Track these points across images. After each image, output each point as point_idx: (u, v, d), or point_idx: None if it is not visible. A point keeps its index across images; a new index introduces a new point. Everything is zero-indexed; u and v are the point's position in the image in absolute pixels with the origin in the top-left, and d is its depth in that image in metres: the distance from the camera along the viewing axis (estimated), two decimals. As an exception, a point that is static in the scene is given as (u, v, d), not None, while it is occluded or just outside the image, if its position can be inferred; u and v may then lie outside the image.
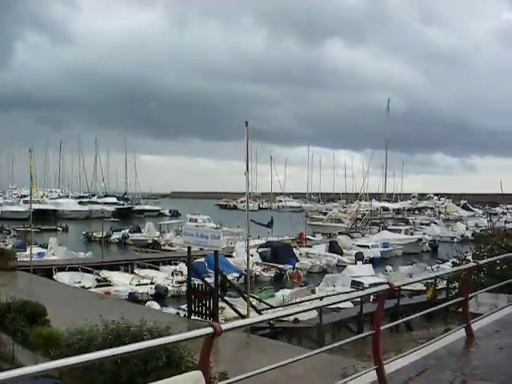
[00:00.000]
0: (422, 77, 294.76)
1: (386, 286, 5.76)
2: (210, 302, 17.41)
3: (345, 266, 40.24)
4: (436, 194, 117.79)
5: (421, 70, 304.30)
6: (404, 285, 6.56)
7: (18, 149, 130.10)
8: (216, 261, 17.52)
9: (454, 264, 19.99)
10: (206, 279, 21.34)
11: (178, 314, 21.80)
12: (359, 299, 25.43)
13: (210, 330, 3.98)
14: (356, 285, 29.59)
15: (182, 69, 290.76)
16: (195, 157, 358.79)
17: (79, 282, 31.30)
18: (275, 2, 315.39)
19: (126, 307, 21.37)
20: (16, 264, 27.83)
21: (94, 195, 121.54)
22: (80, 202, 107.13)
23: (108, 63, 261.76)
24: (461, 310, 8.32)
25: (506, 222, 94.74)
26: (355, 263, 42.46)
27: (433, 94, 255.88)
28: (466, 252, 20.80)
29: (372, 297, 26.70)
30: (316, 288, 29.69)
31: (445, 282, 26.33)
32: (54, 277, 32.33)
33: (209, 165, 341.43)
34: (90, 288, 30.01)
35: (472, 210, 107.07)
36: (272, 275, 40.13)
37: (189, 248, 18.14)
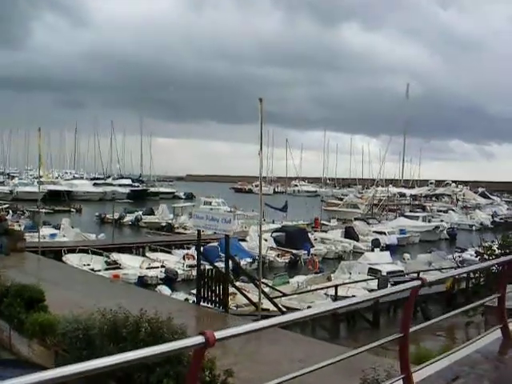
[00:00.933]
0: (439, 61, 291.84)
1: (418, 282, 4.86)
2: (220, 289, 16.56)
3: (361, 253, 39.41)
4: (454, 181, 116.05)
5: (438, 55, 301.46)
6: (437, 280, 5.55)
7: (34, 130, 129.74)
8: (227, 245, 16.69)
9: (478, 253, 18.96)
10: (219, 264, 20.63)
11: (186, 300, 20.98)
12: (375, 286, 24.68)
13: (200, 339, 3.11)
14: (373, 272, 28.64)
15: (198, 51, 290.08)
16: (211, 140, 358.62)
17: (88, 265, 30.65)
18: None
19: (134, 292, 20.71)
20: (24, 245, 27.17)
21: (108, 177, 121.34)
22: (95, 184, 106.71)
23: (125, 46, 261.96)
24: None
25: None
26: (372, 250, 41.52)
27: (450, 78, 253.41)
28: (493, 241, 19.79)
29: (390, 284, 26.05)
30: (332, 275, 28.77)
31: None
32: (63, 258, 31.71)
33: (224, 148, 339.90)
34: (99, 271, 29.39)
35: (490, 198, 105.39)
36: (286, 261, 39.19)
37: (199, 231, 17.32)
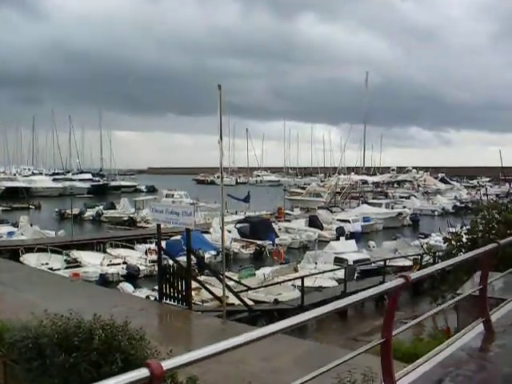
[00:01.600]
0: (397, 51, 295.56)
1: (401, 280, 4.28)
2: (182, 285, 15.86)
3: (326, 242, 39.08)
4: (414, 167, 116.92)
5: (396, 45, 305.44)
6: (422, 276, 4.95)
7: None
8: (188, 239, 15.99)
9: (446, 240, 18.61)
10: (183, 258, 19.86)
11: (148, 297, 20.22)
12: (342, 276, 24.25)
13: (145, 372, 2.45)
14: (339, 262, 28.26)
15: (156, 44, 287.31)
16: (172, 132, 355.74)
17: (47, 264, 29.55)
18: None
19: (94, 291, 19.85)
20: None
21: (68, 172, 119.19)
22: (54, 179, 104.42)
23: (83, 39, 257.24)
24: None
25: (485, 194, 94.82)
26: (337, 238, 41.29)
27: (408, 68, 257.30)
28: (462, 226, 19.47)
29: (357, 274, 25.68)
30: (298, 265, 28.30)
31: (429, 256, 25.17)
32: (21, 259, 30.60)
33: (186, 140, 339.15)
34: (58, 270, 28.39)
35: (450, 183, 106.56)
36: (251, 252, 38.61)
37: (158, 226, 16.57)
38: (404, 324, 6.14)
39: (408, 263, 27.82)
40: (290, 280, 23.49)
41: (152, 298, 19.37)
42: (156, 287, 22.00)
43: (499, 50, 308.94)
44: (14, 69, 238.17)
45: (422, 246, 23.56)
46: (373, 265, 28.23)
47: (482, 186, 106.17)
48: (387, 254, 30.91)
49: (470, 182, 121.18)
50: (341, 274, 24.66)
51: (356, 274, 25.44)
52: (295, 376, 10.30)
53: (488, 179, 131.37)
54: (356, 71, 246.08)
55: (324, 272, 25.06)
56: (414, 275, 4.48)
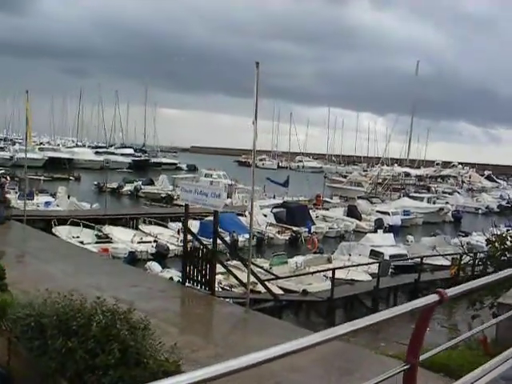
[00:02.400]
0: (450, 41, 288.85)
1: (435, 297, 3.47)
2: (207, 268, 15.21)
3: (363, 233, 38.18)
4: (460, 163, 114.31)
5: (448, 35, 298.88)
6: (460, 292, 4.06)
7: (38, 97, 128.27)
8: (215, 222, 15.31)
9: (489, 241, 17.50)
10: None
11: (171, 279, 19.65)
12: (375, 270, 23.35)
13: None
14: (375, 255, 27.30)
15: (205, 24, 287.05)
16: (217, 112, 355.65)
17: (78, 237, 29.32)
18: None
19: (119, 269, 19.35)
20: (11, 213, 25.77)
21: (111, 146, 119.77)
22: (96, 152, 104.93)
23: (132, 14, 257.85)
24: None
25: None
26: (374, 230, 40.28)
27: (460, 59, 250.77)
28: (508, 229, 18.34)
29: (391, 269, 24.70)
30: (332, 256, 27.47)
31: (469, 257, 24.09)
32: (53, 230, 30.43)
33: (230, 121, 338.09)
34: (89, 244, 28.12)
35: (496, 182, 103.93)
36: (287, 238, 37.88)
37: (186, 206, 15.92)
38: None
39: (446, 262, 26.72)
40: (321, 271, 22.67)
41: (176, 280, 18.77)
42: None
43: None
44: (64, 41, 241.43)
45: (462, 246, 22.49)
46: (409, 261, 27.21)
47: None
48: (425, 250, 29.81)
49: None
50: (375, 267, 23.77)
51: (390, 270, 24.50)
52: (316, 376, 9.51)
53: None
54: (406, 60, 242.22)
55: (358, 265, 24.15)
56: (451, 291, 3.65)
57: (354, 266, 23.95)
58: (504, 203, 73.43)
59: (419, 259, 25.89)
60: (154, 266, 24.16)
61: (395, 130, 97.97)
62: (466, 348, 13.26)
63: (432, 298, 3.44)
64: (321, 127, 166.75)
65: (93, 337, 6.90)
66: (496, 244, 16.96)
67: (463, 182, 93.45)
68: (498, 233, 17.27)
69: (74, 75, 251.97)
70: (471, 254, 22.74)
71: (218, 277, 19.54)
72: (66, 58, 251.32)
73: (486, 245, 18.45)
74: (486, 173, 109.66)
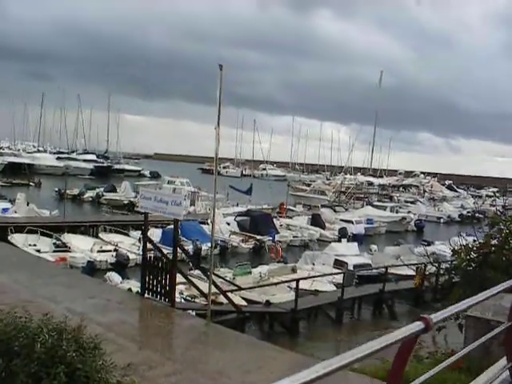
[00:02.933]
0: (411, 54, 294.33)
1: (420, 325, 3.00)
2: (166, 279, 14.63)
3: (327, 242, 37.98)
4: (422, 173, 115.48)
5: (410, 48, 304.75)
6: (445, 317, 3.59)
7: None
8: (175, 231, 14.78)
9: (454, 252, 17.25)
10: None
11: (130, 290, 18.98)
12: (340, 280, 23.03)
13: None
14: (339, 264, 26.98)
15: (167, 30, 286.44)
16: (180, 119, 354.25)
17: (35, 246, 28.40)
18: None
19: (76, 279, 18.53)
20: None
21: (73, 152, 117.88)
22: (58, 158, 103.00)
23: (94, 18, 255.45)
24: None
25: (492, 205, 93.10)
26: (338, 239, 40.08)
27: (420, 72, 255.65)
28: (474, 240, 18.07)
29: (355, 280, 24.41)
30: (296, 265, 27.08)
31: (433, 267, 23.95)
32: (9, 237, 29.42)
33: (194, 128, 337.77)
34: (46, 253, 27.22)
35: (456, 191, 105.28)
36: (251, 247, 37.40)
37: (145, 214, 15.32)
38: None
39: (410, 272, 26.59)
40: (285, 282, 22.22)
41: (135, 291, 18.11)
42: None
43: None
44: (25, 43, 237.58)
45: (427, 256, 22.29)
46: (373, 271, 26.98)
47: (497, 197, 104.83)
48: (389, 259, 29.62)
49: (477, 191, 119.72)
50: (340, 277, 23.42)
51: (355, 280, 24.21)
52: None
53: (496, 189, 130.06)
54: (369, 71, 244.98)
55: (323, 275, 23.74)
56: (436, 317, 3.19)
57: (318, 276, 23.58)
58: (464, 213, 74.18)
59: (384, 269, 25.68)
60: (114, 277, 23.39)
61: (358, 139, 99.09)
62: (432, 359, 12.88)
63: (416, 326, 2.97)
64: (285, 136, 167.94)
65: (37, 359, 6.28)
66: (462, 254, 16.76)
67: (425, 191, 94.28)
68: (464, 243, 17.02)
69: (36, 79, 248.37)
70: (435, 264, 22.59)
71: (180, 287, 19.00)
72: (28, 61, 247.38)
73: (452, 255, 18.25)
74: (447, 182, 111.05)
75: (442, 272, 22.65)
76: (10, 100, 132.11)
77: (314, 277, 23.15)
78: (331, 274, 23.78)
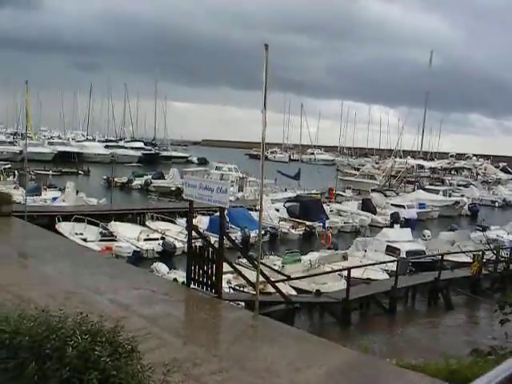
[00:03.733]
0: (460, 33, 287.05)
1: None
2: (213, 269, 14.06)
3: (379, 227, 37.12)
4: (474, 155, 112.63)
5: (459, 26, 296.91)
6: None
7: (49, 91, 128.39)
8: (222, 219, 14.18)
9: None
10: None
11: (175, 280, 18.49)
12: (393, 268, 22.17)
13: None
14: (391, 251, 26.05)
15: (213, 16, 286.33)
16: (227, 105, 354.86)
17: (81, 234, 28.29)
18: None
19: (122, 269, 18.07)
20: (11, 209, 24.65)
21: (121, 140, 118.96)
22: (106, 146, 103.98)
23: (140, 8, 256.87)
24: None
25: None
26: (390, 224, 39.10)
27: (471, 51, 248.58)
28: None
29: (409, 268, 23.43)
30: (347, 252, 26.25)
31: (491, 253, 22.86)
32: (56, 226, 29.39)
33: (241, 114, 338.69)
34: (93, 241, 27.07)
35: (511, 173, 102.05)
36: (301, 233, 36.64)
37: (190, 202, 14.77)
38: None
39: (466, 259, 25.52)
40: (336, 271, 21.41)
41: (181, 282, 17.61)
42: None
43: None
44: (73, 36, 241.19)
45: (487, 242, 21.19)
46: (428, 258, 25.91)
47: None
48: (444, 245, 28.53)
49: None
50: (392, 265, 22.54)
51: (409, 268, 23.24)
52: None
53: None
54: (416, 52, 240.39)
55: (375, 264, 22.82)
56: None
57: (370, 264, 22.65)
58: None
59: (439, 256, 24.62)
60: (161, 267, 22.91)
61: (408, 122, 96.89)
62: (497, 356, 11.93)
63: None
64: (332, 120, 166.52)
65: (69, 363, 5.75)
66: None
67: (478, 174, 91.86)
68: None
69: (84, 70, 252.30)
70: (494, 250, 21.56)
71: (228, 276, 18.49)
72: (76, 52, 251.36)
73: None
74: (501, 165, 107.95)
75: (501, 259, 21.68)
76: (60, 91, 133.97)
77: (366, 265, 22.27)
78: (384, 263, 22.82)
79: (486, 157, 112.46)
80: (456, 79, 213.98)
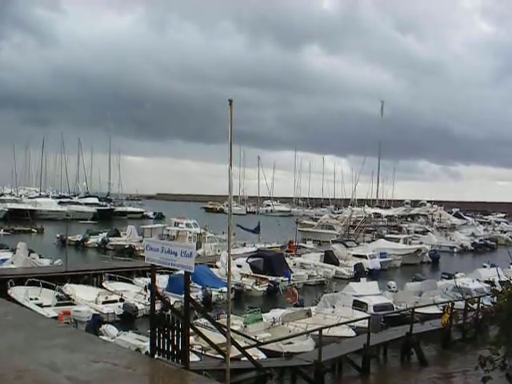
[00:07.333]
0: (403, 84, 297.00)
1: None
2: (178, 338, 13.00)
3: (343, 279, 36.71)
4: (428, 201, 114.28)
5: (401, 78, 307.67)
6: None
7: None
8: (187, 284, 13.19)
9: (495, 292, 15.61)
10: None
11: (138, 350, 17.32)
12: (362, 325, 21.35)
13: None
14: (358, 305, 25.29)
15: (163, 72, 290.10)
16: (181, 159, 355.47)
17: (36, 299, 26.85)
18: (253, 8, 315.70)
19: (78, 339, 16.78)
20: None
21: (75, 195, 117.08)
22: (60, 203, 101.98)
23: (92, 65, 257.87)
24: None
25: (502, 231, 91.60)
26: (355, 275, 38.75)
27: (414, 102, 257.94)
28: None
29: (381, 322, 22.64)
30: (312, 308, 25.39)
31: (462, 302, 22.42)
32: (9, 291, 27.84)
33: (195, 167, 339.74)
34: (49, 307, 25.67)
35: (464, 218, 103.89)
36: (265, 289, 35.75)
37: (152, 266, 13.79)
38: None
39: (436, 310, 25.06)
40: (307, 332, 20.48)
41: (144, 351, 16.46)
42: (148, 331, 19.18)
43: (503, 84, 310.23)
44: (26, 91, 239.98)
45: (457, 291, 20.63)
46: (399, 314, 25.09)
47: (498, 223, 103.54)
48: (412, 297, 27.96)
49: (484, 217, 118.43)
50: (361, 321, 21.68)
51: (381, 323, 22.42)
52: None
53: (503, 215, 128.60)
54: (364, 102, 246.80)
55: (346, 323, 21.83)
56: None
57: (341, 323, 21.60)
58: (477, 241, 72.82)
59: (409, 309, 23.89)
60: (110, 330, 21.86)
61: (360, 171, 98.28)
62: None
63: None
64: (286, 170, 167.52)
65: None
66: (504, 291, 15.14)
67: (433, 220, 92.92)
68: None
69: (36, 125, 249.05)
70: (465, 300, 21.36)
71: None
72: (28, 107, 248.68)
73: (492, 296, 16.65)
74: (454, 210, 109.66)
75: (468, 309, 21.27)
76: (11, 146, 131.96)
77: (337, 324, 21.32)
78: (356, 320, 21.90)
79: (439, 203, 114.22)
80: (402, 128, 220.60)
